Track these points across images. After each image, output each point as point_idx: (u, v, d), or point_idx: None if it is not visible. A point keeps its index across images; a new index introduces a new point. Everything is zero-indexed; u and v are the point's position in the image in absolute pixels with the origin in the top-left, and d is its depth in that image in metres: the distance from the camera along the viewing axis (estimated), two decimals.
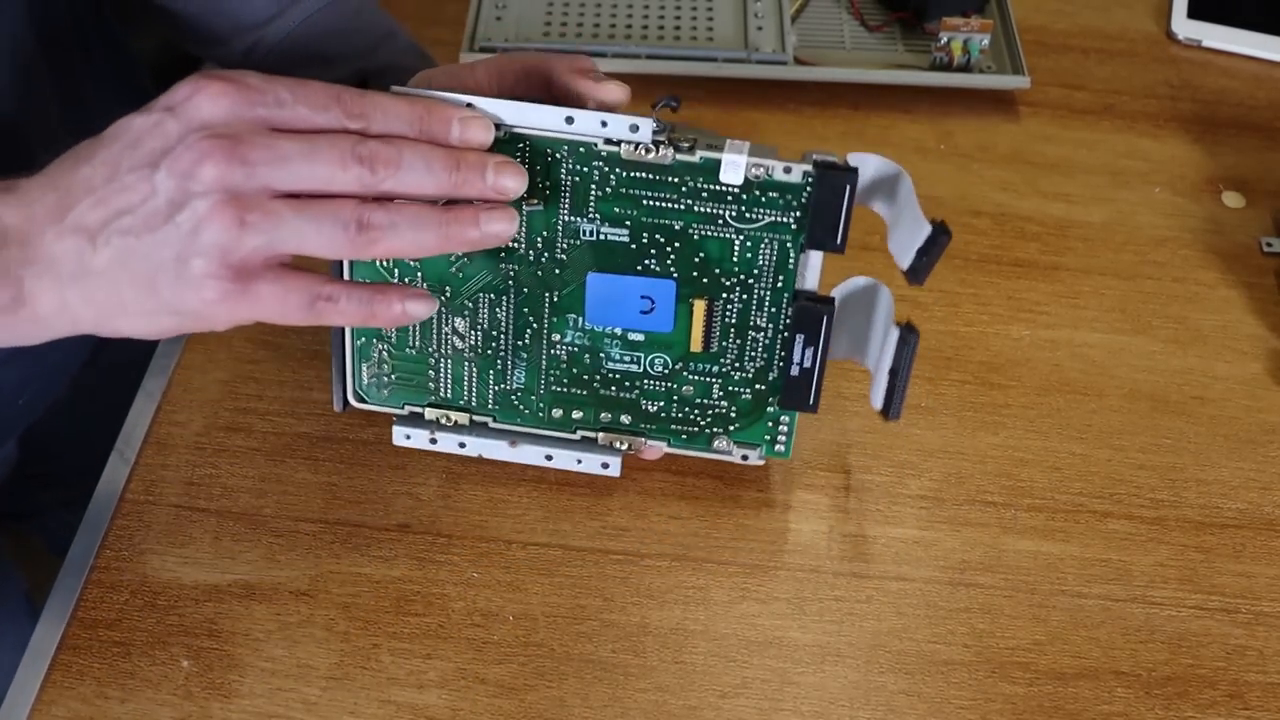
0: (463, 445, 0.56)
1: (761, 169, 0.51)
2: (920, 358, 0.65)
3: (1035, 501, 0.60)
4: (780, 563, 0.57)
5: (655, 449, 0.56)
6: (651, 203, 0.51)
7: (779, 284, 0.53)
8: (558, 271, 0.53)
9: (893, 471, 0.60)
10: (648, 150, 0.50)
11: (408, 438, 0.56)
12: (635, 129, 0.50)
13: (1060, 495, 0.60)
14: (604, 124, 0.50)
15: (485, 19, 0.81)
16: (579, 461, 0.56)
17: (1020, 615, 0.56)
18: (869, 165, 0.52)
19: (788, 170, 0.51)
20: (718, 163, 0.51)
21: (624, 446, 0.56)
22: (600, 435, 0.56)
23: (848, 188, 0.51)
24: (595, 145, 0.50)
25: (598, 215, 0.52)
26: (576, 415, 0.56)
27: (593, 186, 0.51)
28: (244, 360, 0.63)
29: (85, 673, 0.53)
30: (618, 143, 0.50)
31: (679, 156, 0.50)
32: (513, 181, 0.48)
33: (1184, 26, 0.85)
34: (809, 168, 0.51)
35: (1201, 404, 0.64)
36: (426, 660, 0.54)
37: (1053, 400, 0.64)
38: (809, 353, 0.54)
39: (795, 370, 0.54)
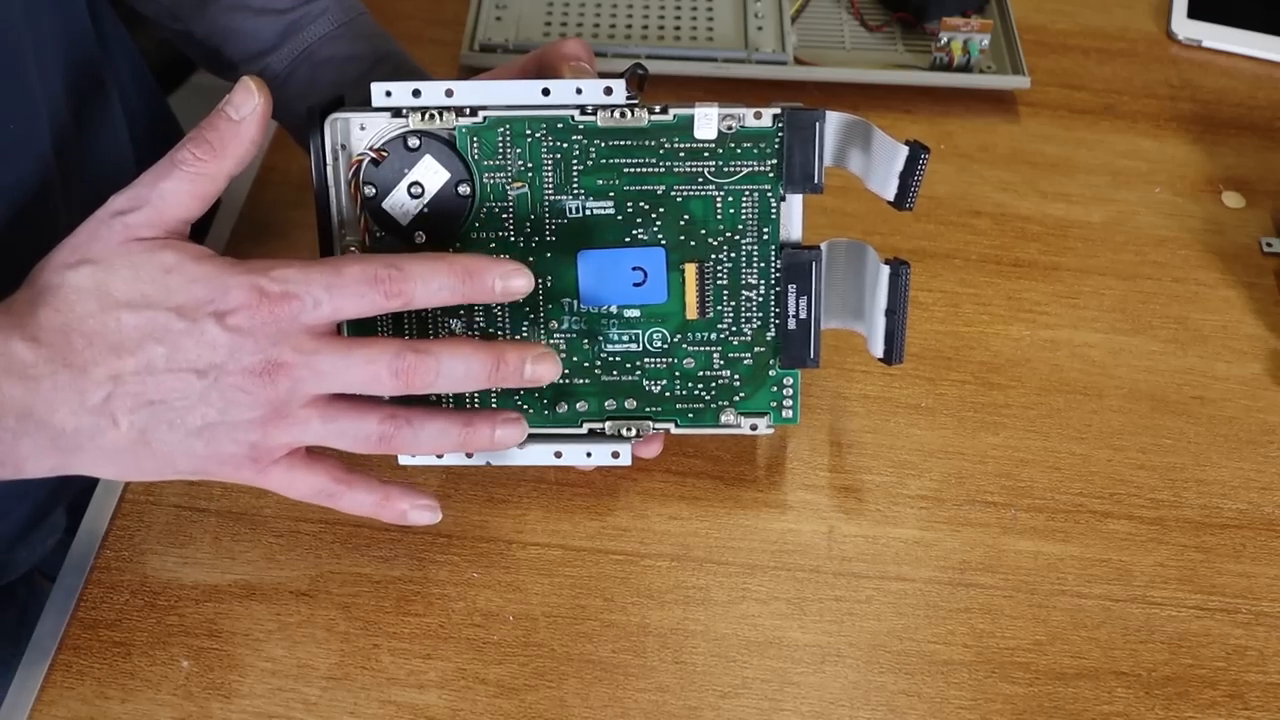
0: (469, 454, 0.56)
1: (733, 119, 0.52)
2: (920, 358, 0.66)
3: (1035, 502, 0.60)
4: (780, 563, 0.57)
5: (655, 440, 0.56)
6: (632, 170, 0.53)
7: (764, 237, 0.54)
8: (548, 255, 0.53)
9: (893, 471, 0.60)
10: (623, 114, 0.51)
11: (412, 455, 0.55)
12: (609, 91, 0.51)
13: (1060, 495, 0.60)
14: (579, 90, 0.51)
15: (485, 19, 0.81)
16: (589, 455, 0.55)
17: (1020, 615, 0.56)
18: (833, 120, 0.53)
19: (758, 115, 0.52)
20: (690, 119, 0.52)
21: (631, 433, 0.56)
22: (607, 425, 0.56)
23: (817, 124, 0.53)
24: (572, 118, 0.52)
25: (582, 190, 0.53)
26: (581, 407, 0.56)
27: (574, 161, 0.52)
28: None
29: (85, 673, 0.53)
30: (594, 110, 0.51)
31: (653, 118, 0.52)
32: (549, 369, 0.50)
33: (1184, 26, 0.85)
34: (778, 110, 0.52)
35: (1201, 404, 0.64)
36: (426, 660, 0.54)
37: (1053, 400, 0.64)
38: (803, 303, 0.54)
39: (792, 324, 0.55)
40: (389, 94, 0.52)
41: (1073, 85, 0.82)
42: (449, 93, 0.52)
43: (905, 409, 0.63)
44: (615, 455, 0.55)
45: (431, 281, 0.47)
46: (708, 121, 0.52)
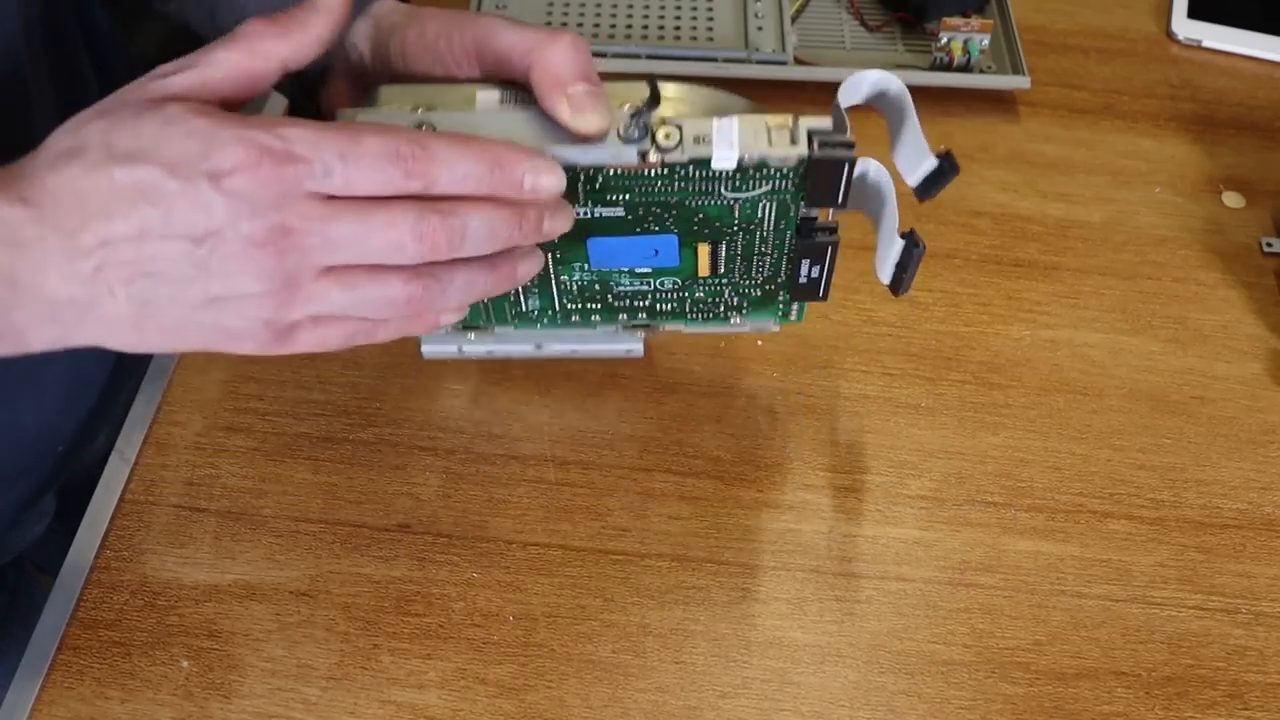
0: (490, 352, 0.55)
1: (755, 155, 0.49)
2: (920, 358, 0.66)
3: (1035, 502, 0.60)
4: (780, 563, 0.57)
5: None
6: (643, 189, 0.50)
7: (782, 225, 0.52)
8: (555, 239, 0.50)
9: (893, 471, 0.60)
10: (634, 167, 0.49)
11: (435, 350, 0.54)
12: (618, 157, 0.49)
13: (1060, 495, 0.60)
14: (605, 323, 0.53)
15: None
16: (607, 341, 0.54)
17: (1020, 615, 0.56)
18: (861, 167, 0.51)
19: (783, 158, 0.49)
20: (707, 159, 0.49)
21: (644, 331, 0.56)
22: (619, 327, 0.55)
23: (846, 164, 0.50)
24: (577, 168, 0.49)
25: (589, 202, 0.51)
26: (595, 319, 0.56)
27: (579, 183, 0.50)
28: (244, 360, 0.63)
29: (85, 673, 0.53)
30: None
31: (668, 159, 0.49)
32: (565, 224, 0.47)
33: (1184, 26, 0.85)
34: (804, 153, 0.49)
35: (1201, 404, 0.64)
36: (426, 660, 0.54)
37: (1053, 400, 0.64)
38: (816, 269, 0.53)
39: (803, 280, 0.53)
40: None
41: (1073, 85, 0.82)
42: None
43: (905, 409, 0.63)
44: (629, 351, 0.55)
45: (458, 167, 0.43)
46: (727, 159, 0.49)
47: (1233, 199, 0.75)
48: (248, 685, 0.52)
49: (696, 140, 0.48)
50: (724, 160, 0.49)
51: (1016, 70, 0.79)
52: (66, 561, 0.56)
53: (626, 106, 0.48)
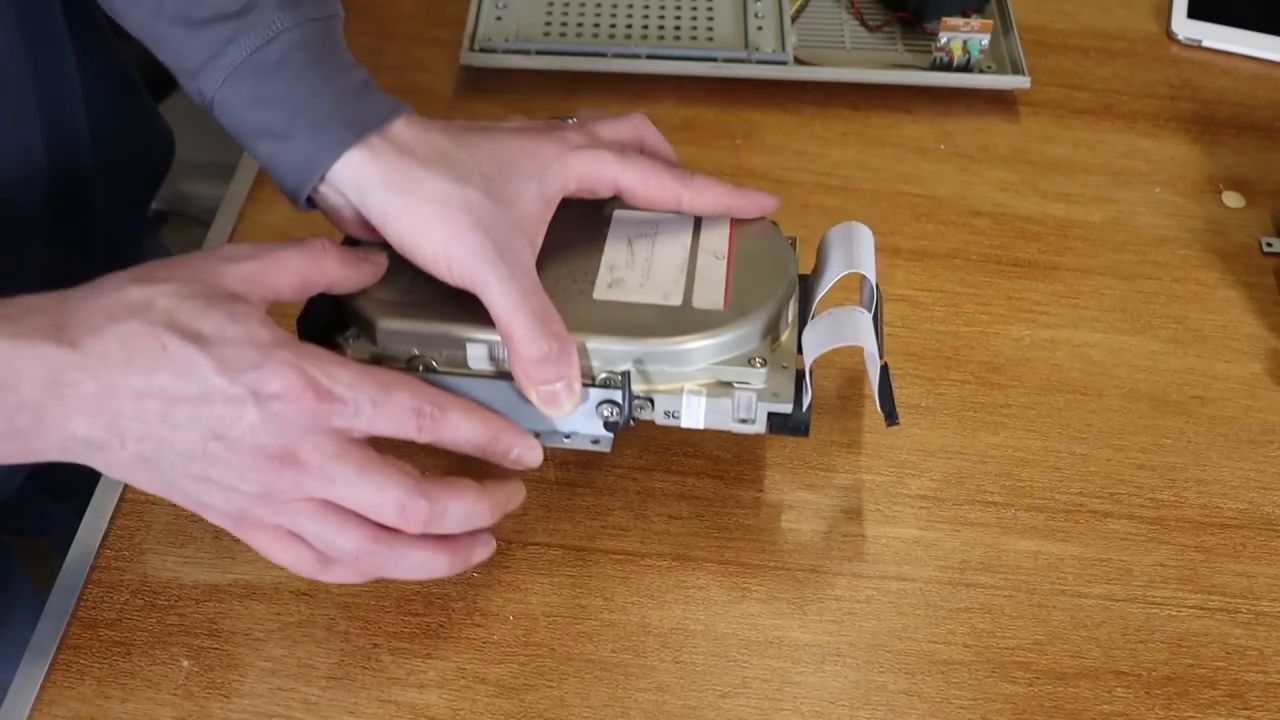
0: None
1: (720, 426, 0.53)
2: (920, 358, 0.66)
3: (1035, 501, 0.60)
4: (780, 563, 0.57)
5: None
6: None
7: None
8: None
9: (893, 471, 0.60)
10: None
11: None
12: (596, 441, 0.54)
13: (1060, 495, 0.60)
14: (567, 437, 0.54)
15: (485, 19, 0.81)
16: (567, 438, 0.55)
17: (1020, 615, 0.56)
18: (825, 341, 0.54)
19: (743, 422, 0.53)
20: (677, 420, 0.54)
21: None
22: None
23: (803, 428, 0.54)
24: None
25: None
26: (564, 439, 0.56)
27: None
28: None
29: (85, 672, 0.53)
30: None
31: (639, 417, 0.53)
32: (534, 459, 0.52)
33: (1184, 26, 0.85)
34: (762, 429, 0.53)
35: (1201, 404, 0.64)
36: (426, 660, 0.54)
37: (1053, 400, 0.64)
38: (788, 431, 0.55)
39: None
40: None
41: (1073, 85, 0.82)
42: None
43: (905, 409, 0.63)
44: (595, 442, 0.55)
45: (463, 431, 0.49)
46: (695, 421, 0.53)
47: (1233, 199, 0.75)
48: (248, 685, 0.52)
49: (667, 414, 0.53)
50: (692, 423, 0.54)
51: (1016, 70, 0.79)
52: (66, 561, 0.56)
53: (599, 402, 0.52)
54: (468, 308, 0.51)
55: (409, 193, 0.50)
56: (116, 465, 0.47)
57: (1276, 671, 0.55)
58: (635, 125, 0.57)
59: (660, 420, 0.53)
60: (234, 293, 0.48)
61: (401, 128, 0.52)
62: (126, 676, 0.53)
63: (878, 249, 0.70)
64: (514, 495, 0.53)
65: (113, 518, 0.57)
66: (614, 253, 0.56)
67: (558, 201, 0.53)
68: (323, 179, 0.51)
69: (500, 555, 0.57)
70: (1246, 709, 0.54)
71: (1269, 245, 0.72)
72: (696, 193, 0.56)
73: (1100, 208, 0.74)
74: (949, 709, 0.53)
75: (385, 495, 0.48)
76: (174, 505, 0.57)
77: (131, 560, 0.56)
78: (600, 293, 0.54)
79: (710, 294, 0.54)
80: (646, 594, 0.56)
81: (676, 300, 0.53)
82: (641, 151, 0.58)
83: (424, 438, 0.49)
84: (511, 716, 0.52)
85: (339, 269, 0.51)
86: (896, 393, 0.63)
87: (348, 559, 0.49)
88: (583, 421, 0.53)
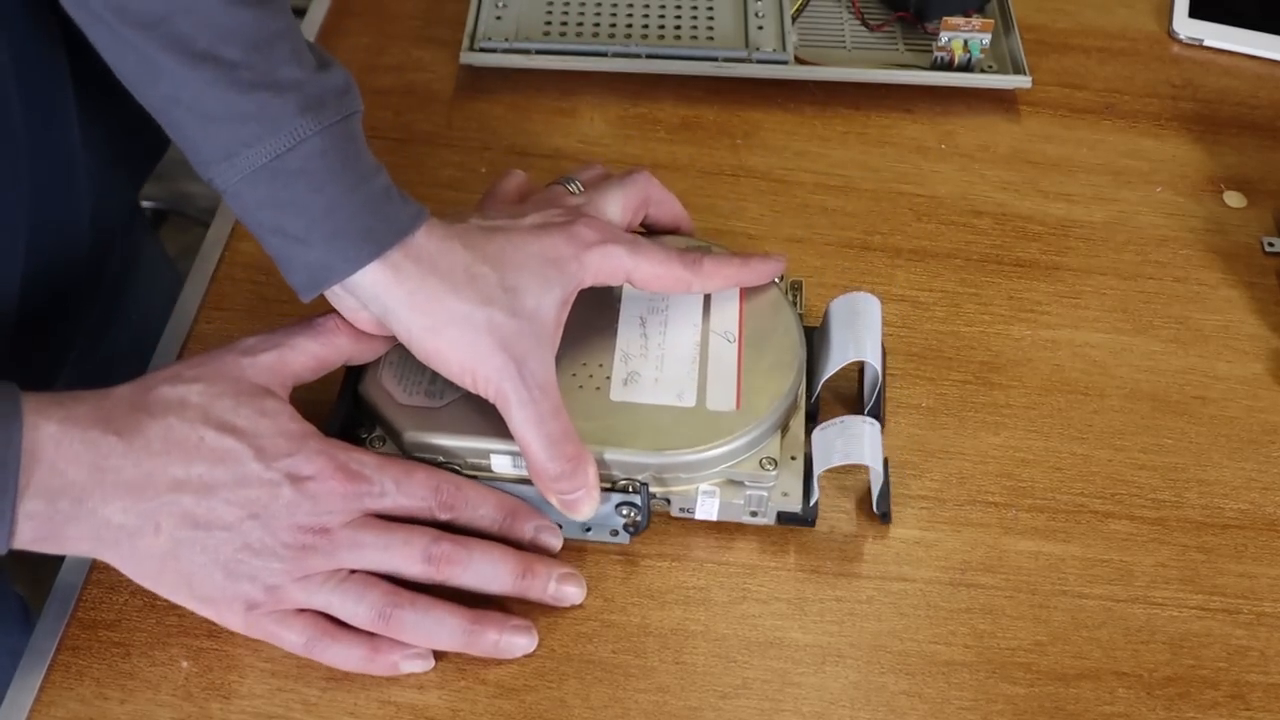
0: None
1: (735, 518, 0.57)
2: (921, 358, 0.65)
3: (1036, 502, 0.60)
4: (780, 563, 0.57)
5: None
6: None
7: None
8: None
9: (893, 471, 0.60)
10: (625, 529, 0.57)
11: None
12: (615, 534, 0.57)
13: (1061, 495, 0.60)
14: (587, 530, 0.57)
15: (485, 19, 0.81)
16: (587, 531, 0.58)
17: (1021, 616, 0.56)
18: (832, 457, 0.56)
19: (754, 514, 0.57)
20: (691, 514, 0.57)
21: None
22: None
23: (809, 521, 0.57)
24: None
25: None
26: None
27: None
28: None
29: (85, 673, 0.53)
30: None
31: (654, 510, 0.56)
32: (574, 591, 0.54)
33: (1185, 26, 0.85)
34: (771, 522, 0.57)
35: (1203, 404, 0.64)
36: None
37: (1054, 400, 0.64)
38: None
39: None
40: None
41: (1074, 84, 0.82)
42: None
43: (905, 409, 0.63)
44: (614, 534, 0.57)
45: (480, 508, 0.53)
46: (708, 512, 0.57)
47: (1234, 199, 0.75)
48: (247, 685, 0.52)
49: (682, 510, 0.57)
50: (706, 517, 0.57)
51: (1017, 70, 0.79)
52: (66, 561, 0.56)
53: (619, 504, 0.55)
54: (491, 415, 0.54)
55: (434, 315, 0.52)
56: (147, 555, 0.49)
57: (1278, 672, 0.55)
58: (641, 187, 0.60)
59: (675, 514, 0.57)
60: (259, 385, 0.51)
61: (423, 239, 0.52)
62: (126, 677, 0.53)
63: (878, 249, 0.70)
64: (552, 569, 0.54)
65: None
66: (627, 338, 0.58)
67: (574, 297, 0.55)
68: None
69: None
70: (1248, 710, 0.53)
71: (1270, 245, 0.72)
72: (706, 279, 0.58)
73: (1101, 207, 0.74)
74: (950, 710, 0.53)
75: (412, 544, 0.51)
76: None
77: None
78: (616, 392, 0.57)
79: (723, 392, 0.56)
80: (646, 594, 0.56)
81: (690, 401, 0.56)
82: (648, 212, 0.61)
83: (443, 515, 0.52)
84: (511, 717, 0.52)
85: (352, 344, 0.54)
86: (897, 393, 0.63)
87: (369, 619, 0.51)
88: (602, 516, 0.56)
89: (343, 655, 0.51)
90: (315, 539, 0.50)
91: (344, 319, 0.54)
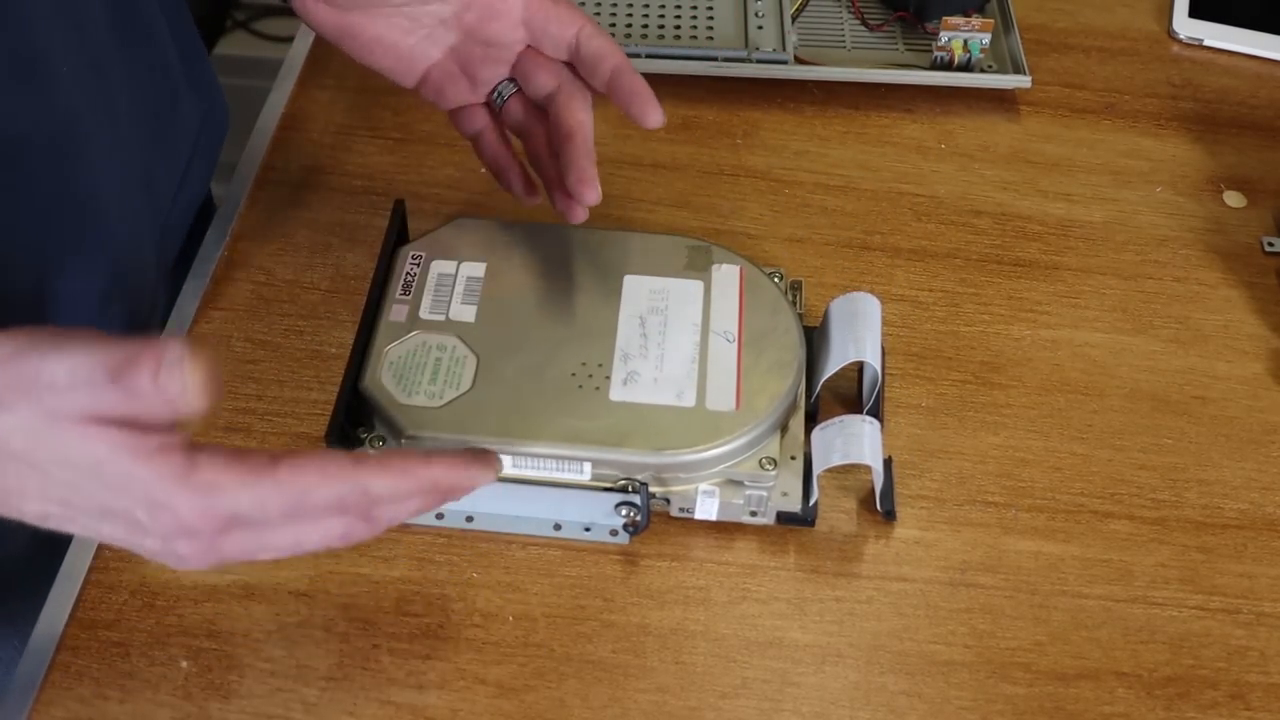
0: (470, 519, 0.58)
1: (734, 518, 0.57)
2: (920, 358, 0.65)
3: (1036, 502, 0.60)
4: (780, 563, 0.57)
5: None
6: None
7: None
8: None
9: (893, 471, 0.60)
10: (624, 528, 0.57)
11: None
12: (615, 533, 0.57)
13: (1061, 495, 0.60)
14: (587, 529, 0.57)
15: None
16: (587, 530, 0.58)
17: (1021, 616, 0.56)
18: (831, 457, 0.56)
19: (753, 514, 0.57)
20: (691, 514, 0.57)
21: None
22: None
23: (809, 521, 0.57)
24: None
25: None
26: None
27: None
28: (244, 360, 0.63)
29: (84, 673, 0.53)
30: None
31: (653, 510, 0.56)
32: (485, 470, 0.46)
33: (1185, 25, 0.85)
34: (771, 521, 0.57)
35: (1203, 404, 0.64)
36: (426, 660, 0.53)
37: (1054, 400, 0.64)
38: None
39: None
40: None
41: (1074, 84, 0.82)
42: (469, 518, 0.57)
43: (905, 409, 0.63)
44: (613, 533, 0.57)
45: (400, 499, 0.44)
46: (707, 511, 0.56)
47: (1234, 198, 0.75)
48: (247, 686, 0.52)
49: (681, 510, 0.57)
50: (705, 517, 0.57)
51: (1017, 69, 0.79)
52: (65, 561, 0.56)
53: (619, 503, 0.55)
54: (488, 417, 0.54)
55: None
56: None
57: (1278, 672, 0.55)
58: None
59: (674, 513, 0.57)
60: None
61: None
62: (125, 677, 0.53)
63: (878, 249, 0.70)
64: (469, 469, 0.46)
65: None
66: (627, 338, 0.58)
67: None
68: None
69: (500, 555, 0.57)
70: (1248, 710, 0.53)
71: (1270, 245, 0.72)
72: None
73: (1101, 207, 0.74)
74: (949, 710, 0.53)
75: (328, 536, 0.44)
76: None
77: (130, 561, 0.56)
78: (616, 392, 0.56)
79: (723, 392, 0.56)
80: (646, 594, 0.56)
81: (690, 400, 0.56)
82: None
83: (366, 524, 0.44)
84: (511, 717, 0.52)
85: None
86: (897, 393, 0.63)
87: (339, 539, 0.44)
88: (602, 516, 0.56)
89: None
90: (219, 537, 0.42)
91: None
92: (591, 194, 0.55)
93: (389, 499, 0.43)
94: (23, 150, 0.54)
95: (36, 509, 0.42)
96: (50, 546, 0.57)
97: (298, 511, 0.42)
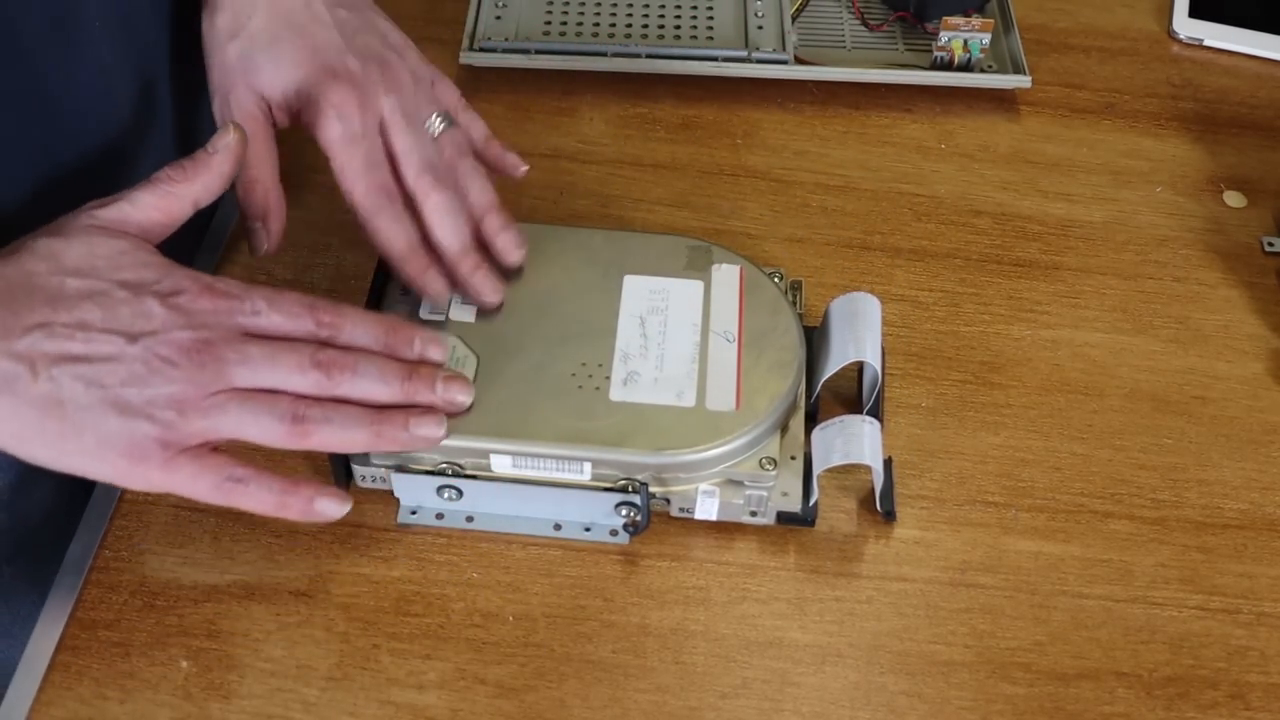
0: (470, 519, 0.58)
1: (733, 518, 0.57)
2: (920, 358, 0.65)
3: (1036, 502, 0.60)
4: (780, 563, 0.57)
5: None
6: None
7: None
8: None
9: (893, 471, 0.60)
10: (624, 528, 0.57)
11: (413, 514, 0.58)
12: (615, 534, 0.57)
13: (1061, 495, 0.60)
14: (587, 529, 0.57)
15: (485, 18, 0.81)
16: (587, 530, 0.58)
17: (1021, 616, 0.56)
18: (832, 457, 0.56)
19: (754, 514, 0.57)
20: (691, 514, 0.57)
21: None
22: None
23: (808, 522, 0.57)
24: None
25: None
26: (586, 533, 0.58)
27: None
28: None
29: (84, 673, 0.53)
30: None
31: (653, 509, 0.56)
32: (461, 395, 0.54)
33: (1185, 25, 0.85)
34: (771, 522, 0.57)
35: (1203, 404, 0.64)
36: (426, 661, 0.53)
37: (1054, 400, 0.64)
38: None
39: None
40: (414, 512, 0.57)
41: (1074, 84, 0.82)
42: (469, 518, 0.57)
43: (905, 409, 0.63)
44: (613, 533, 0.57)
45: (359, 327, 0.52)
46: (708, 512, 0.56)
47: (1234, 198, 0.75)
48: (247, 686, 0.52)
49: (681, 510, 0.57)
50: (705, 517, 0.57)
51: (1017, 69, 0.79)
52: (65, 561, 0.56)
53: (619, 503, 0.56)
54: (488, 417, 0.55)
55: None
56: (26, 407, 0.47)
57: (1278, 672, 0.55)
58: None
59: (675, 513, 0.57)
60: (109, 229, 0.51)
61: None
62: (125, 677, 0.53)
63: (878, 249, 0.70)
64: (436, 371, 0.54)
65: (111, 518, 0.57)
66: (627, 338, 0.58)
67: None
68: None
69: (500, 555, 0.57)
70: (1248, 710, 0.53)
71: (1270, 245, 0.72)
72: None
73: (1101, 207, 0.74)
74: (949, 710, 0.53)
75: (300, 351, 0.50)
76: (173, 505, 0.57)
77: (130, 561, 0.56)
78: (616, 392, 0.56)
79: (723, 392, 0.56)
80: (646, 594, 0.56)
81: (690, 400, 0.56)
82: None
83: (322, 333, 0.51)
84: (511, 717, 0.52)
85: (191, 184, 0.53)
86: (897, 393, 0.63)
87: (282, 432, 0.50)
88: (602, 516, 0.56)
89: (258, 496, 0.50)
90: (200, 354, 0.48)
91: (178, 167, 0.53)
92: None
93: (350, 318, 0.52)
94: (62, 107, 0.56)
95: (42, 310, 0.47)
96: (69, 503, 0.58)
97: (276, 299, 0.51)
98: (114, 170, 0.59)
